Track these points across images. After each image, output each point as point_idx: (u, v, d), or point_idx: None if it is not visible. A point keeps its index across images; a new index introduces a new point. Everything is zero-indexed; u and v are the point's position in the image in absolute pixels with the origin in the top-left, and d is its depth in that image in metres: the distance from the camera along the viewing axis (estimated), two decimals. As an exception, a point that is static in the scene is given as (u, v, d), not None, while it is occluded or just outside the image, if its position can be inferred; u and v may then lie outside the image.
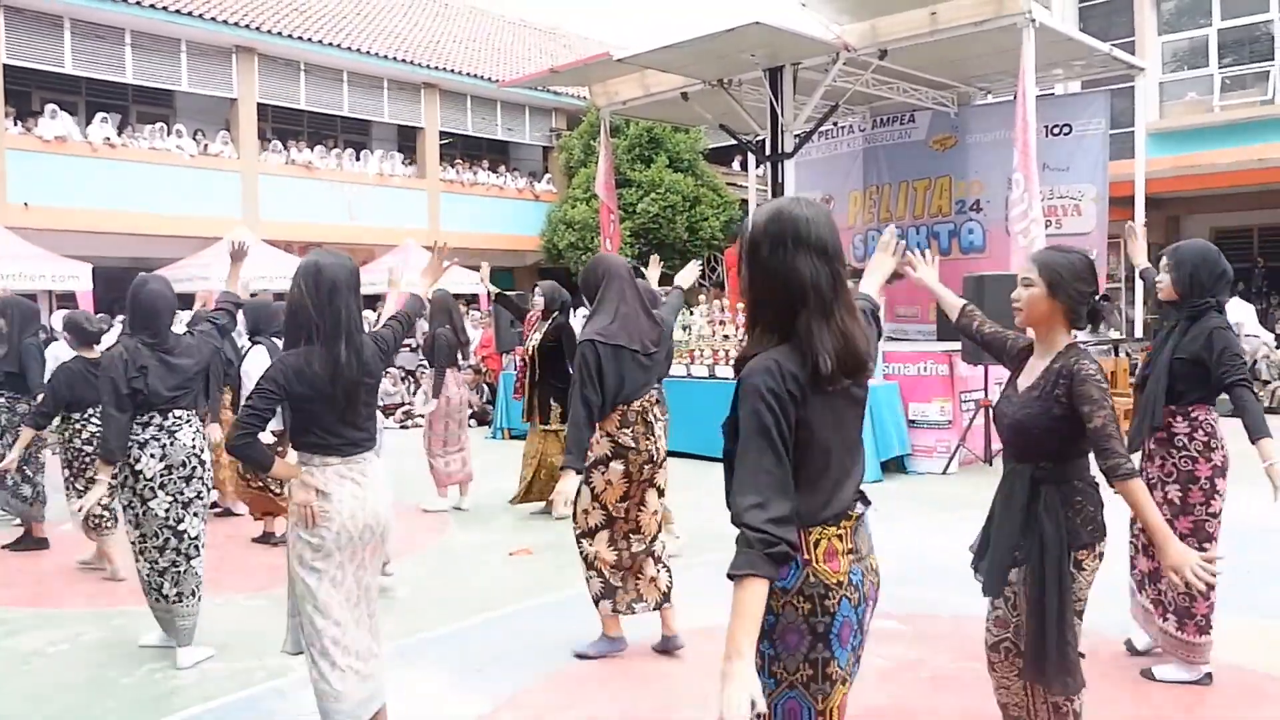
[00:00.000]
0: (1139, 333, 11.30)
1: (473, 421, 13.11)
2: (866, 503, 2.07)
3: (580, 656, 4.27)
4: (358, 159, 19.84)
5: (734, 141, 13.35)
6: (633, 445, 4.16)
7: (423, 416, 7.59)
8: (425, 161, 20.61)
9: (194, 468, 4.36)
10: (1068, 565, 2.56)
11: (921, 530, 6.55)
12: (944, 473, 8.68)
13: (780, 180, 10.99)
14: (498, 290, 7.56)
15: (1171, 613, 3.79)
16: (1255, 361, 12.24)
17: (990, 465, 8.64)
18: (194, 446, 4.36)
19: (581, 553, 4.30)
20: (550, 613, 4.95)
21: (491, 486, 8.09)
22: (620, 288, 4.22)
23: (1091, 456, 2.60)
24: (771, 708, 1.94)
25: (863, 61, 10.43)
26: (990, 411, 6.34)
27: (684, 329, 9.74)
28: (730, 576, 1.77)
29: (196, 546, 4.37)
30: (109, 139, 16.12)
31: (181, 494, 4.30)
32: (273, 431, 6.43)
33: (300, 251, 17.28)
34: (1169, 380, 3.73)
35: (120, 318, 11.64)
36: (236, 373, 6.47)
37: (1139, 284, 9.39)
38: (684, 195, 19.74)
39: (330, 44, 18.48)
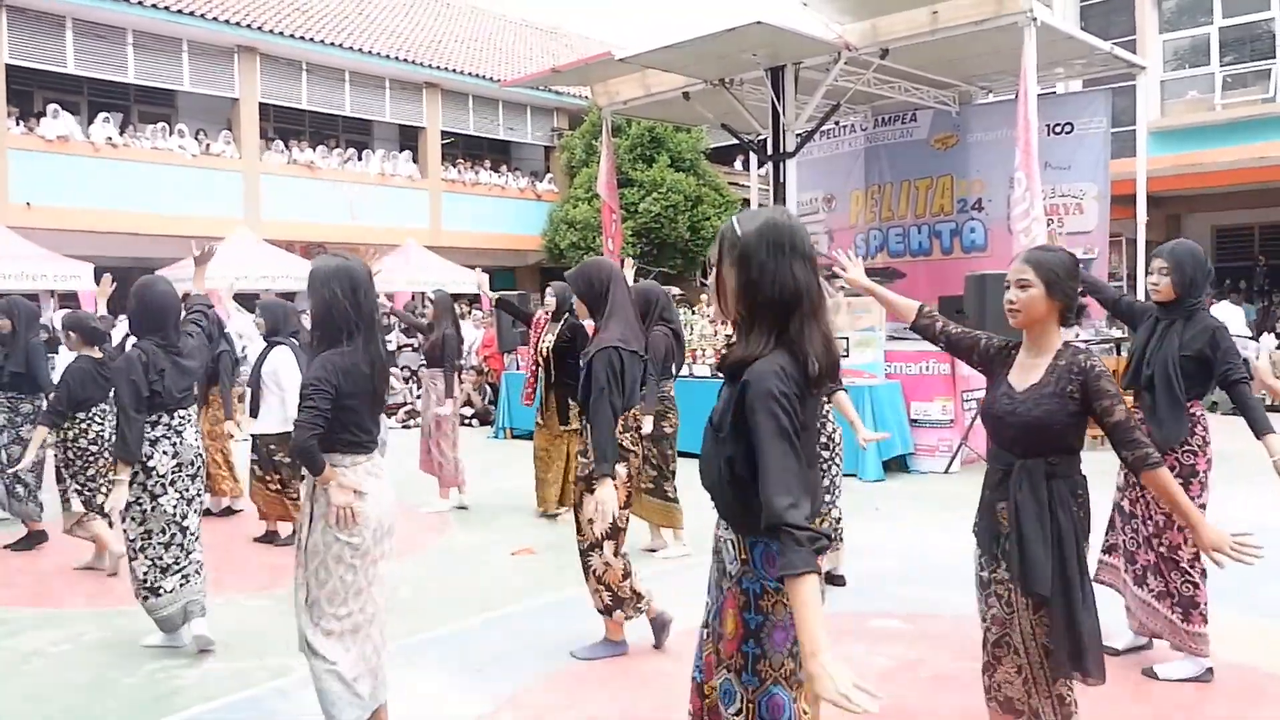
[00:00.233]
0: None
1: (475, 421, 13.14)
2: None
3: (580, 659, 4.26)
4: (359, 159, 19.86)
5: (736, 141, 13.34)
6: (633, 449, 4.18)
7: (438, 415, 7.57)
8: (427, 161, 20.62)
9: (199, 466, 4.50)
10: (1085, 554, 2.63)
11: (923, 529, 6.56)
12: (946, 472, 8.68)
13: (782, 180, 10.98)
14: (498, 295, 7.55)
15: (1178, 604, 3.82)
16: (1256, 360, 12.22)
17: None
18: (197, 445, 4.51)
19: (590, 567, 4.20)
20: (550, 613, 4.96)
21: (493, 486, 8.10)
22: (625, 293, 4.23)
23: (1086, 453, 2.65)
24: (755, 704, 2.02)
25: (864, 61, 10.42)
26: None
27: (687, 328, 9.73)
28: (789, 576, 1.82)
29: (196, 541, 4.48)
30: (111, 139, 16.15)
31: (187, 490, 4.41)
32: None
33: (302, 251, 17.31)
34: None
35: (123, 317, 11.67)
36: (258, 373, 6.46)
37: (1141, 283, 9.40)
38: (686, 195, 19.74)
39: (332, 44, 18.50)
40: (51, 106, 15.83)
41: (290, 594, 3.38)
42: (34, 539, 6.54)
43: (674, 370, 6.07)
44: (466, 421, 12.75)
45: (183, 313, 4.64)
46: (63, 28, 15.60)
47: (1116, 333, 10.84)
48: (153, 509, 4.31)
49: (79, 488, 5.78)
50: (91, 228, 15.39)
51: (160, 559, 4.34)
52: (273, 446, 6.34)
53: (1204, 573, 3.74)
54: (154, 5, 15.96)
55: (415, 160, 20.74)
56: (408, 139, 21.39)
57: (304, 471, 3.22)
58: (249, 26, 17.25)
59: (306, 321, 4.35)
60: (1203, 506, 3.73)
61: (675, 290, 7.05)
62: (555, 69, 13.33)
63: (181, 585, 4.39)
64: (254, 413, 6.50)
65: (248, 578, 5.78)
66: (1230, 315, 12.49)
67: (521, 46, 24.58)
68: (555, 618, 4.83)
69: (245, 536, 6.75)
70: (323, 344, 3.23)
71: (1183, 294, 3.84)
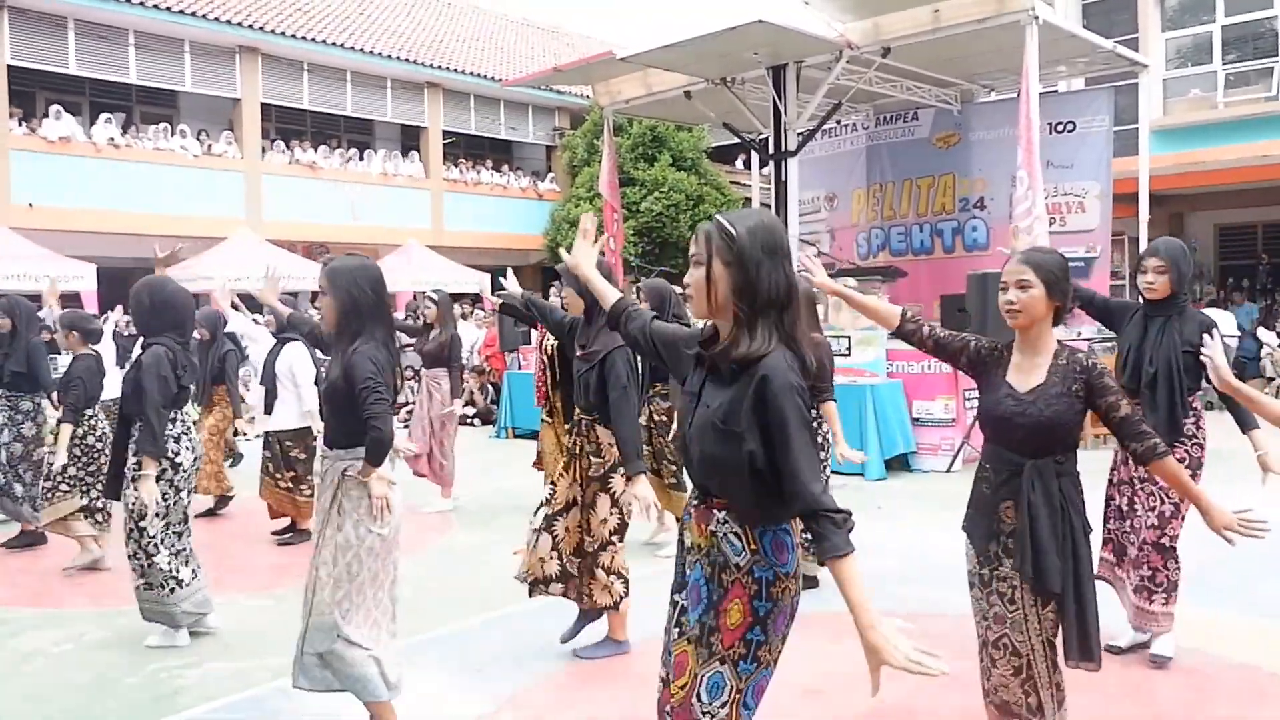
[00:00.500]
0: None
1: (477, 420, 13.15)
2: None
3: (583, 658, 4.27)
4: (361, 159, 19.86)
5: (737, 140, 13.32)
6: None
7: (444, 415, 7.58)
8: (429, 161, 20.62)
9: (199, 459, 4.72)
10: (1090, 550, 2.69)
11: (925, 528, 6.54)
12: (948, 470, 8.66)
13: (784, 178, 10.98)
14: (501, 299, 7.54)
15: (1161, 590, 3.95)
16: (1260, 359, 12.21)
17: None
18: (200, 440, 4.75)
19: (600, 565, 4.18)
20: (550, 613, 4.94)
21: (493, 486, 8.10)
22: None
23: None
24: (747, 689, 2.10)
25: (866, 59, 10.41)
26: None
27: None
28: (833, 558, 1.93)
29: (189, 528, 4.69)
30: (113, 139, 16.16)
31: (190, 481, 4.61)
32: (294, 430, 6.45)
33: (304, 251, 17.33)
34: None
35: (109, 315, 11.68)
36: (271, 370, 6.46)
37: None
38: (687, 194, 19.73)
39: (333, 44, 18.50)
40: (53, 107, 15.84)
41: (299, 593, 3.39)
42: (29, 538, 6.54)
43: None
44: (469, 421, 12.75)
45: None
46: (64, 28, 15.61)
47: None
48: (174, 503, 4.49)
49: (88, 485, 5.80)
50: (93, 228, 15.40)
51: (179, 549, 4.53)
52: (289, 443, 6.35)
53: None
54: (155, 6, 15.97)
55: (418, 160, 20.75)
56: (409, 139, 21.39)
57: (319, 469, 3.29)
58: (250, 27, 17.26)
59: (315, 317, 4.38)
60: None
61: (678, 289, 7.06)
62: (557, 68, 13.33)
63: (193, 576, 4.56)
64: (268, 409, 6.50)
65: (248, 578, 5.78)
66: (1220, 318, 12.47)
67: (523, 46, 24.58)
68: (555, 618, 4.82)
69: (245, 536, 6.76)
70: (345, 340, 3.29)
71: (1177, 290, 3.94)
